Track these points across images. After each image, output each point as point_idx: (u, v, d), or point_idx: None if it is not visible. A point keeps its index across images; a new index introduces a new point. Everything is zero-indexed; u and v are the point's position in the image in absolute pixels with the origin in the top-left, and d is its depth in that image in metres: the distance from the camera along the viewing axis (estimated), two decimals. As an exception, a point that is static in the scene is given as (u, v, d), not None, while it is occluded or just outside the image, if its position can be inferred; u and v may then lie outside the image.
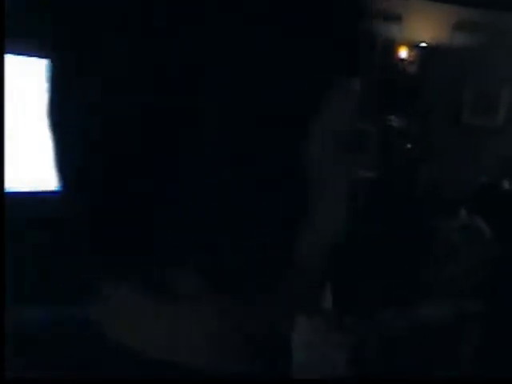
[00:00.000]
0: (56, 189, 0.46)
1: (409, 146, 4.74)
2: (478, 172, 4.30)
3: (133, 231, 0.43)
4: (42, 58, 2.17)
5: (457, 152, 4.87)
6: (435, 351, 2.36)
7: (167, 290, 0.43)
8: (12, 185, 2.38)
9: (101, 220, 0.44)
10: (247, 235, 0.43)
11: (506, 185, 3.71)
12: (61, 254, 1.85)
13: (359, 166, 4.64)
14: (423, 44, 5.22)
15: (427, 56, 5.20)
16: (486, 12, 5.00)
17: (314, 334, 2.84)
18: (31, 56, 2.38)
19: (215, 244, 0.43)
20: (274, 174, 0.43)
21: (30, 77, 2.37)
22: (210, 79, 0.41)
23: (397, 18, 5.23)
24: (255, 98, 0.41)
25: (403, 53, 5.25)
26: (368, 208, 3.81)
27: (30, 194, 2.49)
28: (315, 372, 2.66)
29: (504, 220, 3.00)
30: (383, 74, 5.31)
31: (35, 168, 2.45)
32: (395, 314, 2.53)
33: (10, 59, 2.26)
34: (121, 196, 0.42)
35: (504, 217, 3.04)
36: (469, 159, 4.79)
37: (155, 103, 0.41)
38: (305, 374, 2.63)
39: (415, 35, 5.24)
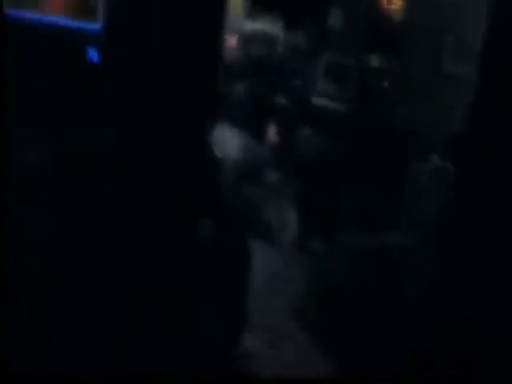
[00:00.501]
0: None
1: (386, 84, 4.78)
2: (450, 119, 4.37)
3: None
4: None
5: (434, 97, 4.93)
6: (399, 275, 2.47)
7: None
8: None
9: None
10: None
11: (475, 133, 3.78)
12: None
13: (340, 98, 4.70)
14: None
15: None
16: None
17: (277, 259, 2.91)
18: None
19: None
20: None
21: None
22: None
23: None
24: None
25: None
26: (342, 139, 3.86)
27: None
28: (279, 298, 2.73)
29: (472, 166, 3.09)
30: (367, 13, 5.28)
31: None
32: (362, 239, 2.62)
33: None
34: None
35: (472, 163, 3.13)
36: (444, 106, 4.85)
37: None
38: (268, 300, 2.71)
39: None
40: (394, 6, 5.15)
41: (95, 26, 2.24)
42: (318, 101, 4.74)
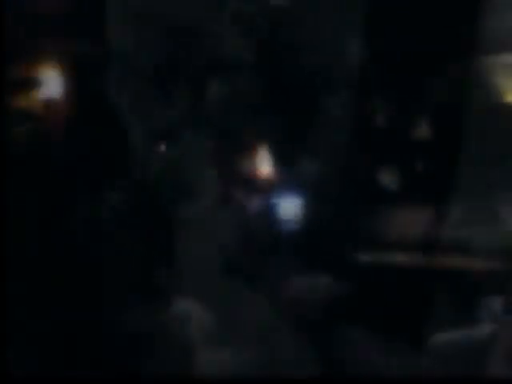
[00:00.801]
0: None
1: (291, 27, 4.76)
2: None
3: None
4: None
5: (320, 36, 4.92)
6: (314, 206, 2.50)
7: None
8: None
9: None
10: None
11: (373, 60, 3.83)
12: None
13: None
14: None
15: None
16: None
17: (203, 218, 2.90)
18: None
19: None
20: None
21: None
22: None
23: None
24: None
25: None
26: (254, 90, 3.86)
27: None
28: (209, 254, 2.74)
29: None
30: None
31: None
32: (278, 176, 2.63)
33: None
34: None
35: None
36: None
37: None
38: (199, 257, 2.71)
39: None
40: None
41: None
42: (227, 55, 4.70)
